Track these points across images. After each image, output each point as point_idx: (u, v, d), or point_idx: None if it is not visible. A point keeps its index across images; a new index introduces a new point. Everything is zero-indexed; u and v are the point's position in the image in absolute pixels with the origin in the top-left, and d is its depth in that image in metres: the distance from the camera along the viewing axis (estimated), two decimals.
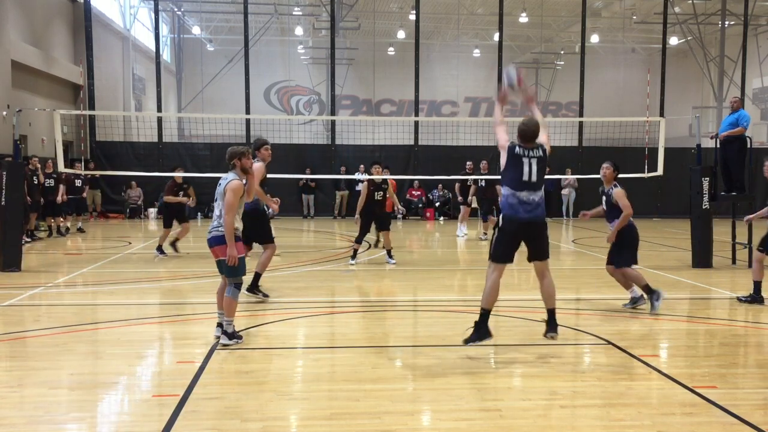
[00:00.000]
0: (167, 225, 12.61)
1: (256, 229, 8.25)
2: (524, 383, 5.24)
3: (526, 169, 5.85)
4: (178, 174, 12.78)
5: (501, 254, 5.96)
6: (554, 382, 5.19)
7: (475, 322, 5.91)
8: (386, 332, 7.06)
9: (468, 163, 16.44)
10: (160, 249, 12.26)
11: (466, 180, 16.02)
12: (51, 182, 15.33)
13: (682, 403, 4.76)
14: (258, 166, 7.90)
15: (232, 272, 6.20)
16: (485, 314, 5.89)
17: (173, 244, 12.42)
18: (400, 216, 19.79)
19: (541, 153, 5.96)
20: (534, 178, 5.86)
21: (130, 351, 6.10)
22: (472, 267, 11.95)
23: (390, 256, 11.61)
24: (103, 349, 6.23)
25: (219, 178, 6.47)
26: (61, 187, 15.55)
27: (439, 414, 4.59)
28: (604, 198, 8.36)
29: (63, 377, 5.27)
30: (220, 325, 6.29)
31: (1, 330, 6.79)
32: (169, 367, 5.75)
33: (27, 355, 6.03)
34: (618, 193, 8.17)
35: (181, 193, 12.63)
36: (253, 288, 8.25)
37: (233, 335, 6.21)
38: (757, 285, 8.41)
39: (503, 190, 5.94)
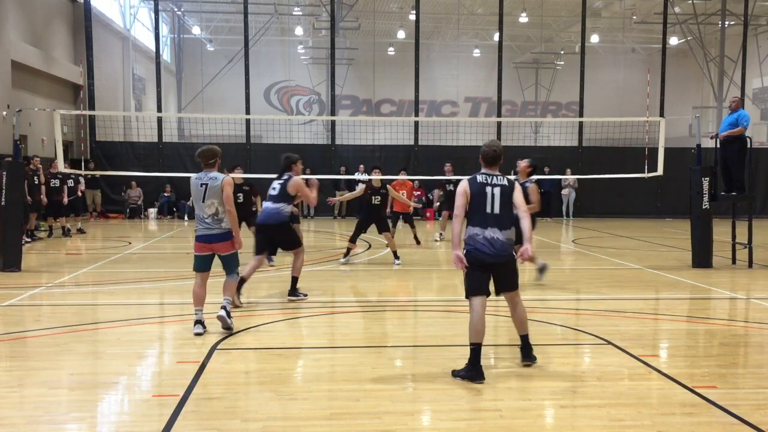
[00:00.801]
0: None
1: (284, 237, 8.46)
2: (524, 383, 5.24)
3: (488, 199, 5.34)
4: (237, 174, 11.40)
5: (472, 288, 5.39)
6: (554, 382, 5.19)
7: (469, 359, 5.25)
8: (386, 332, 7.06)
9: (447, 165, 16.24)
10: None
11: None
12: (56, 182, 15.36)
13: (682, 403, 4.76)
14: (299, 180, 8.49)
15: (235, 264, 6.81)
16: (476, 349, 5.22)
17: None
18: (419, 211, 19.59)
19: (506, 182, 5.40)
20: (497, 209, 5.33)
21: (130, 351, 6.10)
22: None
23: (396, 257, 11.67)
24: (103, 349, 6.23)
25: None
26: (65, 188, 15.58)
27: (439, 414, 4.59)
28: None
29: (63, 377, 5.27)
30: (199, 322, 6.55)
31: (1, 330, 6.80)
32: (169, 367, 5.75)
33: (27, 355, 6.03)
34: (532, 188, 8.80)
35: (241, 195, 11.05)
36: (294, 292, 8.48)
37: (229, 313, 6.69)
38: None
39: (468, 230, 5.40)
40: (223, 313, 6.60)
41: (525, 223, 5.47)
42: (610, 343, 6.35)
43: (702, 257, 11.43)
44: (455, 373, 5.26)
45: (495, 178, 5.42)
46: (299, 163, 8.54)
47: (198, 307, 6.58)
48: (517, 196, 5.45)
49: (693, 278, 10.34)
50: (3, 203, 10.55)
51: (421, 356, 6.02)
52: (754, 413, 4.54)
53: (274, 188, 8.37)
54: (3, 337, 6.52)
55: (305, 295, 8.51)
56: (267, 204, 8.31)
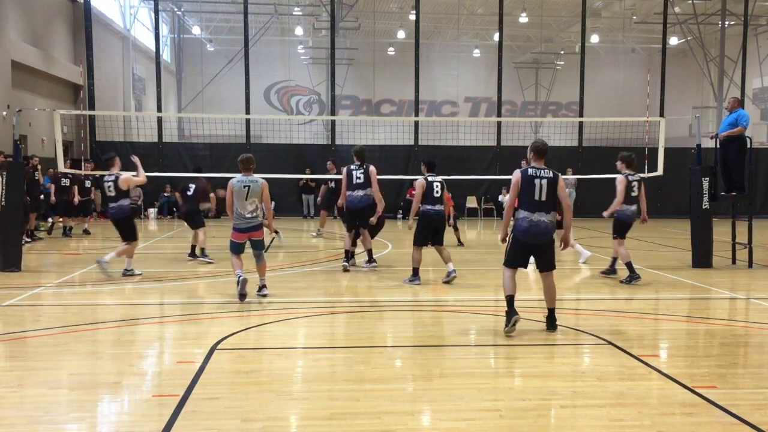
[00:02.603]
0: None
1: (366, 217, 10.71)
2: (524, 383, 5.24)
3: (537, 189, 6.49)
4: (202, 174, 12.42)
5: (511, 261, 6.74)
6: (554, 382, 5.19)
7: (506, 312, 6.59)
8: (386, 332, 7.06)
9: (329, 163, 16.34)
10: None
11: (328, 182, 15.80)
12: (66, 182, 15.36)
13: (682, 403, 4.76)
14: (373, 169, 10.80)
15: (264, 245, 8.57)
16: (509, 299, 6.59)
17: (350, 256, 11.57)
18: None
19: (551, 175, 6.54)
20: (545, 197, 6.48)
21: (130, 351, 6.10)
22: (472, 267, 11.94)
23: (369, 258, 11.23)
24: (103, 349, 6.22)
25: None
26: (75, 188, 15.59)
27: (439, 414, 4.59)
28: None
29: (63, 377, 5.27)
30: (243, 281, 8.03)
31: (1, 330, 6.80)
32: (169, 367, 5.75)
33: (27, 355, 6.03)
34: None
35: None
36: (370, 260, 11.06)
37: (264, 289, 8.46)
38: None
39: (518, 213, 6.59)
40: (265, 291, 8.39)
41: (567, 215, 6.73)
42: (610, 343, 6.35)
43: (702, 257, 11.43)
44: (506, 331, 6.50)
45: (542, 171, 6.57)
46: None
47: (239, 270, 8.16)
48: (561, 189, 6.61)
49: (693, 278, 10.34)
50: (3, 203, 10.55)
51: (421, 356, 6.02)
52: (754, 413, 4.54)
53: (358, 177, 10.62)
54: (3, 337, 6.52)
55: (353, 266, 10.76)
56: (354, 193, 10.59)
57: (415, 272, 9.62)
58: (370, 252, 11.19)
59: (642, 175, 10.58)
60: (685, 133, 26.14)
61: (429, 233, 9.61)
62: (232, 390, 4.97)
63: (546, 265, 6.76)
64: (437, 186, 9.65)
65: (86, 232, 16.61)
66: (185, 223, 12.63)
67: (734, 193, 11.72)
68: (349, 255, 10.96)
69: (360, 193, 10.65)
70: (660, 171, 13.71)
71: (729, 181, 11.72)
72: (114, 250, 10.37)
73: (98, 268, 10.10)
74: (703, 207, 11.48)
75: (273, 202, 22.67)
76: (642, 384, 5.20)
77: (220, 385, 5.08)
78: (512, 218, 6.77)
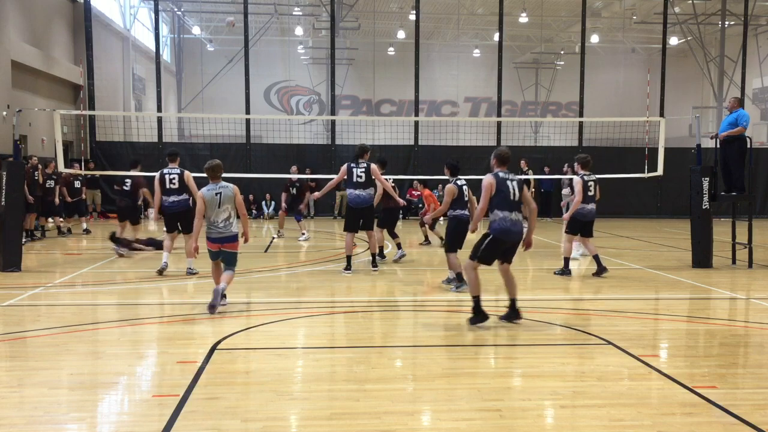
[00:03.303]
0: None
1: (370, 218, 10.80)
2: (524, 383, 5.24)
3: (511, 190, 6.93)
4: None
5: (486, 258, 7.08)
6: (554, 382, 5.19)
7: (473, 309, 6.95)
8: (386, 332, 7.06)
9: (293, 167, 16.91)
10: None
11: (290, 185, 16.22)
12: (51, 183, 15.35)
13: (682, 403, 4.76)
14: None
15: (236, 261, 7.91)
16: (476, 299, 6.96)
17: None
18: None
19: (519, 178, 7.06)
20: (517, 198, 6.96)
21: (130, 351, 6.11)
22: None
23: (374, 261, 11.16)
24: (103, 349, 6.22)
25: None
26: (58, 189, 15.58)
27: (439, 414, 4.59)
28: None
29: (63, 377, 5.27)
30: (222, 295, 7.66)
31: (1, 330, 6.79)
32: (169, 367, 5.75)
33: (27, 355, 6.03)
34: (448, 188, 9.40)
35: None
36: (375, 261, 10.94)
37: (224, 296, 7.81)
38: None
39: (494, 214, 6.98)
40: (224, 301, 7.79)
41: (532, 217, 7.22)
42: (610, 343, 6.35)
43: (702, 257, 11.43)
44: (470, 321, 6.93)
45: (510, 174, 7.02)
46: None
47: (221, 284, 7.67)
48: (526, 191, 7.09)
49: (693, 278, 10.34)
50: (3, 203, 10.55)
51: (421, 356, 6.02)
52: (754, 413, 4.54)
53: (359, 176, 10.48)
54: (3, 337, 6.52)
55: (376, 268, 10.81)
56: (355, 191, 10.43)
57: (460, 277, 9.06)
58: (374, 256, 10.98)
59: (599, 176, 11.05)
60: (685, 133, 26.14)
61: (461, 238, 9.19)
62: (232, 390, 4.97)
63: (510, 259, 7.23)
64: (466, 190, 9.30)
65: (86, 231, 16.62)
66: (120, 219, 13.06)
67: (734, 193, 11.72)
68: (350, 260, 10.55)
69: (359, 191, 10.44)
70: (660, 171, 13.70)
71: (729, 181, 11.72)
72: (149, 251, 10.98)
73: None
74: (703, 207, 11.48)
75: (273, 203, 22.74)
76: (642, 384, 5.20)
77: (220, 385, 5.08)
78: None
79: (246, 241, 8.05)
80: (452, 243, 9.27)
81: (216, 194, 7.64)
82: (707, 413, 4.57)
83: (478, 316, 6.93)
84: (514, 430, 4.27)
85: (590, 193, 10.47)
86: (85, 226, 16.78)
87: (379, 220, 11.67)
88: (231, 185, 7.77)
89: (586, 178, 10.50)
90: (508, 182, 6.93)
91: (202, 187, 7.80)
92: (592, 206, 10.50)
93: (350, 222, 10.61)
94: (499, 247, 6.99)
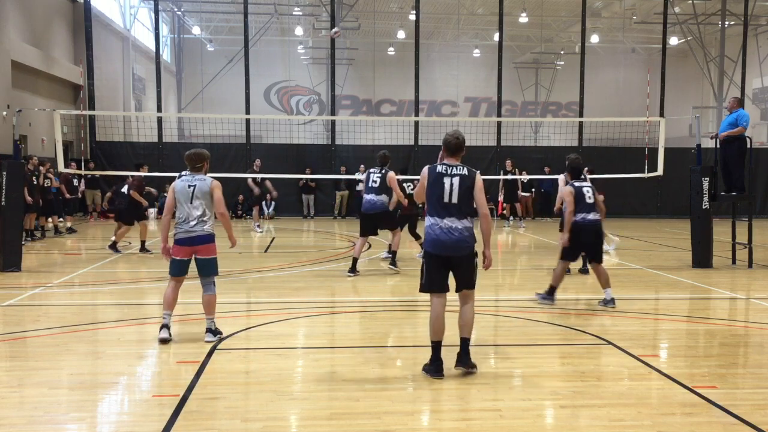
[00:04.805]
0: None
1: (387, 219, 10.84)
2: (524, 383, 5.24)
3: (447, 187, 5.23)
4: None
5: (429, 283, 5.35)
6: (554, 382, 5.19)
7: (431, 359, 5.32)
8: (386, 332, 7.06)
9: (257, 161, 18.24)
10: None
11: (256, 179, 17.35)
12: (48, 182, 15.36)
13: (682, 403, 4.76)
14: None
15: (215, 269, 6.39)
16: (435, 346, 5.27)
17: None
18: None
19: (465, 172, 5.29)
20: (455, 198, 5.22)
21: (130, 351, 6.10)
22: None
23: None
24: (103, 349, 6.22)
25: (219, 178, 6.61)
26: (62, 187, 15.61)
27: (439, 414, 4.59)
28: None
29: (63, 377, 5.27)
30: (166, 326, 6.26)
31: (1, 330, 6.80)
32: (169, 367, 5.75)
33: (27, 355, 6.03)
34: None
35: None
36: (394, 262, 10.90)
37: (217, 332, 6.33)
38: None
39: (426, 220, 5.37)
40: (210, 337, 6.25)
41: (483, 223, 5.41)
42: (610, 343, 6.35)
43: (702, 257, 11.43)
44: (424, 368, 5.34)
45: (455, 168, 5.32)
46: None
47: (167, 311, 6.31)
48: (478, 190, 5.32)
49: (693, 278, 10.34)
50: (3, 203, 10.55)
51: (421, 356, 6.01)
52: (754, 413, 4.54)
53: (374, 181, 10.47)
54: (3, 337, 6.52)
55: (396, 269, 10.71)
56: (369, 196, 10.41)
57: (552, 290, 8.07)
58: (395, 253, 11.09)
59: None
60: (685, 133, 26.12)
61: (579, 246, 8.15)
62: (232, 390, 4.97)
63: (465, 283, 5.44)
64: (588, 192, 8.05)
65: (71, 230, 16.46)
66: (123, 222, 13.11)
67: (734, 193, 11.72)
68: (356, 264, 10.42)
69: (371, 196, 10.49)
70: (660, 171, 13.70)
71: (729, 181, 11.72)
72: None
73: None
74: (703, 207, 11.48)
75: (273, 203, 22.74)
76: (642, 384, 5.20)
77: (220, 385, 5.08)
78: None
79: (232, 245, 6.73)
80: (569, 250, 8.07)
81: (189, 186, 6.37)
82: (707, 413, 4.57)
83: (429, 364, 5.30)
84: (514, 430, 4.27)
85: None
86: (69, 224, 16.70)
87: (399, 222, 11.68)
88: (210, 179, 6.48)
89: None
90: (446, 178, 5.29)
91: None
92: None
93: (363, 227, 10.67)
94: (434, 264, 5.35)
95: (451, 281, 5.42)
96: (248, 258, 11.99)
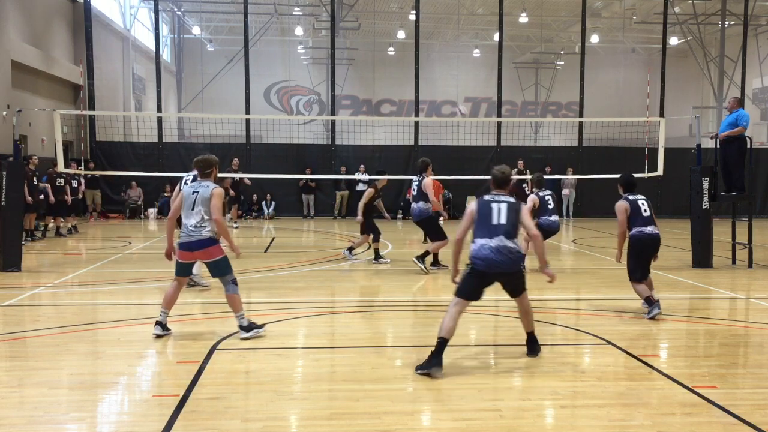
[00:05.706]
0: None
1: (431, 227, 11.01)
2: (524, 383, 5.24)
3: (495, 211, 5.61)
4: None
5: (468, 294, 5.62)
6: (554, 382, 5.19)
7: (432, 351, 5.41)
8: (386, 332, 7.06)
9: (234, 160, 18.66)
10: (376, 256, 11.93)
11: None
12: (61, 182, 15.39)
13: (682, 403, 4.76)
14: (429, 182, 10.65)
15: (226, 270, 6.53)
16: (442, 343, 5.42)
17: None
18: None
19: (512, 199, 5.71)
20: (503, 219, 5.57)
21: (130, 351, 6.10)
22: None
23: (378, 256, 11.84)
24: (103, 349, 6.22)
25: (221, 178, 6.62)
26: (68, 188, 15.62)
27: (439, 414, 4.59)
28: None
29: (63, 377, 5.27)
30: (159, 323, 6.49)
31: (1, 330, 6.80)
32: (169, 367, 5.75)
33: (27, 355, 6.03)
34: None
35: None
36: (436, 263, 11.05)
37: (250, 326, 6.49)
38: None
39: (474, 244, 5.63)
40: (244, 334, 6.41)
41: (536, 245, 5.90)
42: (610, 343, 6.35)
43: (702, 257, 11.43)
44: (417, 367, 5.41)
45: (502, 196, 5.77)
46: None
47: (164, 310, 6.53)
48: (524, 215, 5.75)
49: (693, 278, 10.34)
50: (3, 203, 10.55)
51: (421, 356, 6.00)
52: (754, 413, 4.54)
53: (414, 190, 10.81)
54: (3, 337, 6.52)
55: (438, 267, 10.94)
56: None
57: (649, 300, 7.58)
58: (427, 253, 10.96)
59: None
60: (685, 133, 26.12)
61: (645, 261, 7.73)
62: (232, 390, 4.97)
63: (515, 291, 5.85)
64: (643, 204, 7.70)
65: (72, 230, 16.47)
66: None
67: (734, 193, 11.72)
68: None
69: (413, 204, 10.83)
70: (660, 171, 13.70)
71: (729, 181, 11.72)
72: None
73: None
74: (703, 207, 11.48)
75: (273, 203, 22.74)
76: (642, 384, 5.20)
77: (220, 385, 5.08)
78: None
79: (237, 255, 6.81)
80: (635, 269, 7.68)
81: (193, 193, 6.47)
82: (707, 413, 4.57)
83: (429, 360, 5.40)
84: (514, 430, 4.27)
85: (550, 207, 10.90)
86: (70, 225, 16.70)
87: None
88: (213, 186, 6.48)
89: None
90: (495, 204, 5.68)
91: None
92: (555, 218, 11.01)
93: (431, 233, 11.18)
94: (479, 279, 5.63)
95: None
96: (248, 258, 11.98)
